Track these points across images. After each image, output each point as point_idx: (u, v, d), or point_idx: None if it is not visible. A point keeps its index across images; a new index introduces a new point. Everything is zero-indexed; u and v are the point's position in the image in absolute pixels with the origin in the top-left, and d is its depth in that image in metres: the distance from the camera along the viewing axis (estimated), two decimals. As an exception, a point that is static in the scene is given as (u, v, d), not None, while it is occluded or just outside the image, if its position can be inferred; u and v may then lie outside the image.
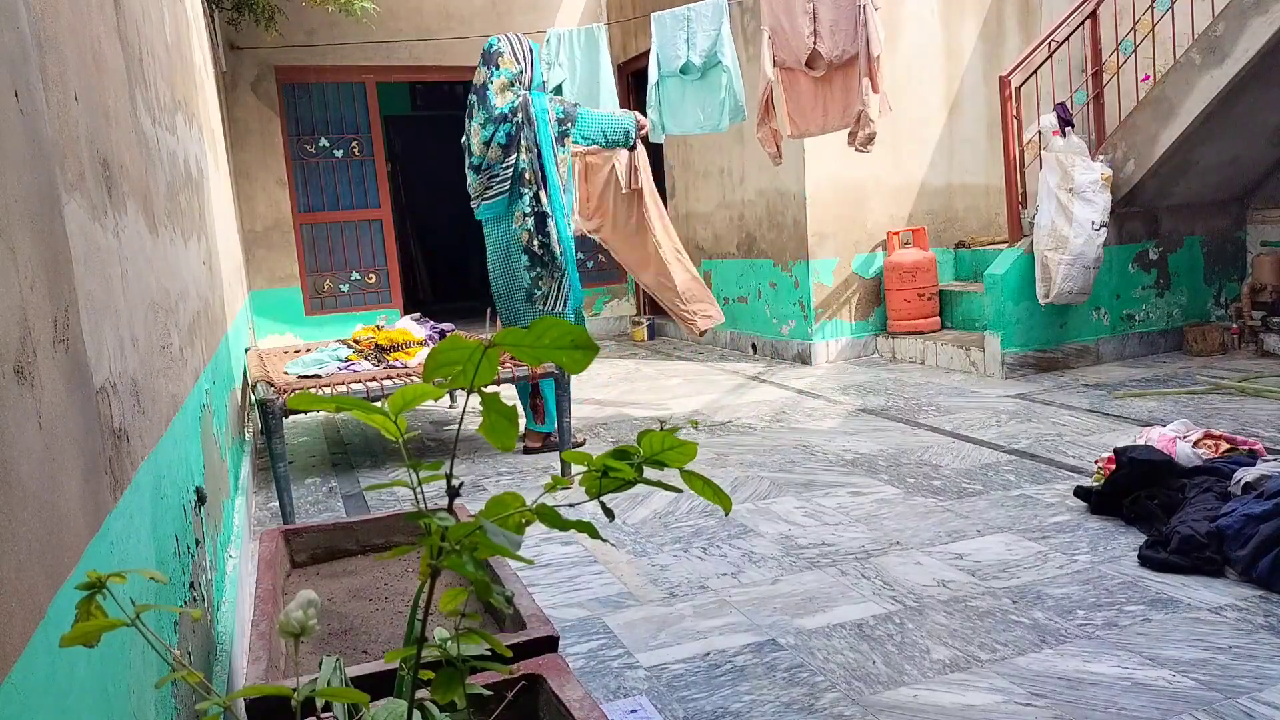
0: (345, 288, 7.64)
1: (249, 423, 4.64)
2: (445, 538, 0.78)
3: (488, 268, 4.32)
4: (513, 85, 4.06)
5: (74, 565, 0.96)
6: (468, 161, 4.17)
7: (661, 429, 0.85)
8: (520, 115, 4.02)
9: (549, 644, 1.36)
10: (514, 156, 4.02)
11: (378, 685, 1.21)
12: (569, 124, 4.15)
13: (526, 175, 4.03)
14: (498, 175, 4.06)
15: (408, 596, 1.75)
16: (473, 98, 4.14)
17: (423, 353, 4.17)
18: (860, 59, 4.50)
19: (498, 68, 4.07)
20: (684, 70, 5.13)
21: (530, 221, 4.06)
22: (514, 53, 4.09)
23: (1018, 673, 1.99)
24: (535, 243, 4.05)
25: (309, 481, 4.04)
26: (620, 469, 0.84)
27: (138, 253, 1.66)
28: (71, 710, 0.89)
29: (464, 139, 4.21)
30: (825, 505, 3.21)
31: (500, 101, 4.04)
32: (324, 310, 7.55)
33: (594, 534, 0.83)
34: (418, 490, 0.83)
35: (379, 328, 4.55)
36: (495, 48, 4.11)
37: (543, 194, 4.03)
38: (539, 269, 4.10)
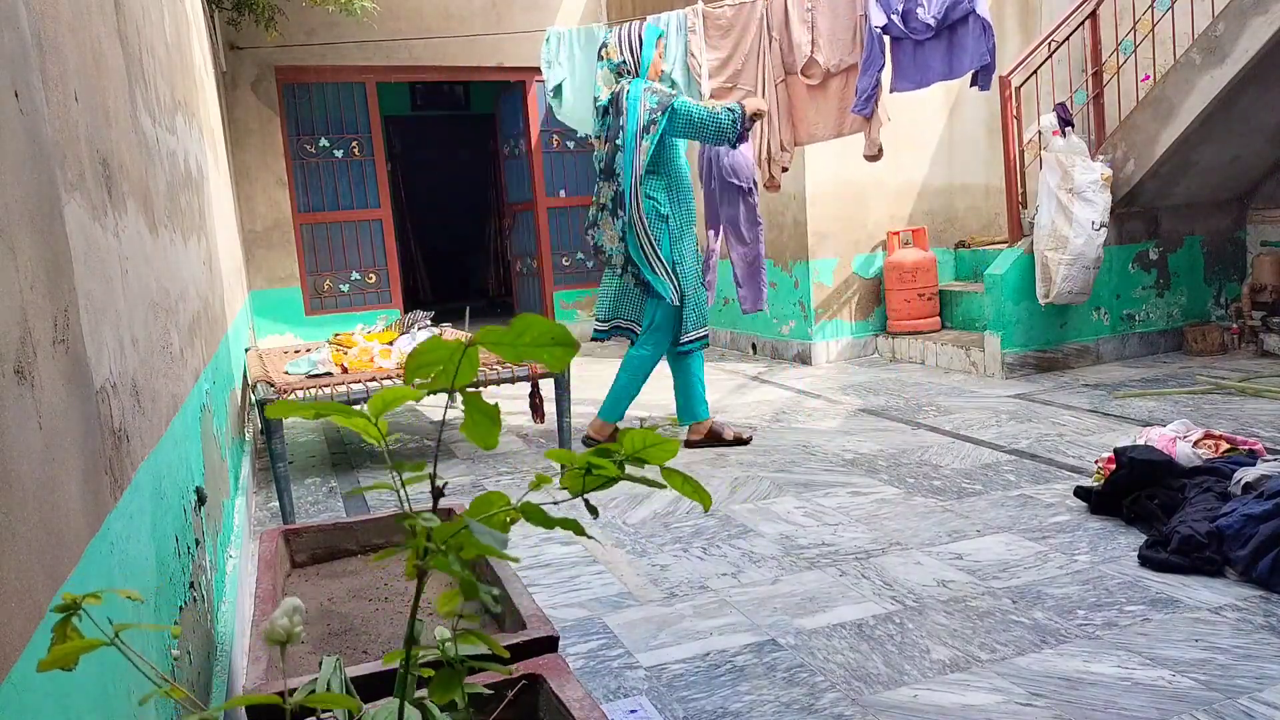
0: (345, 288, 7.64)
1: (249, 423, 4.64)
2: (431, 538, 0.78)
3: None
4: (619, 77, 3.92)
5: (74, 565, 0.96)
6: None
7: (642, 427, 0.85)
8: (614, 107, 3.88)
9: (549, 644, 1.36)
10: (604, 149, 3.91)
11: (378, 685, 1.22)
12: (657, 115, 3.83)
13: (610, 168, 3.86)
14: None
15: (408, 596, 1.75)
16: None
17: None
18: (860, 69, 4.49)
19: (601, 59, 3.95)
20: (662, 79, 5.18)
21: (615, 221, 3.87)
22: (619, 43, 3.94)
23: (1018, 673, 1.99)
24: (620, 245, 3.87)
25: (309, 481, 4.04)
26: (603, 466, 0.84)
27: (138, 253, 1.66)
28: (72, 710, 0.89)
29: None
30: (825, 505, 3.21)
31: (603, 95, 3.92)
32: (324, 310, 7.55)
33: (579, 531, 0.84)
34: (401, 491, 0.83)
35: (369, 331, 4.55)
36: (603, 40, 3.98)
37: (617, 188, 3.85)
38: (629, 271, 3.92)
